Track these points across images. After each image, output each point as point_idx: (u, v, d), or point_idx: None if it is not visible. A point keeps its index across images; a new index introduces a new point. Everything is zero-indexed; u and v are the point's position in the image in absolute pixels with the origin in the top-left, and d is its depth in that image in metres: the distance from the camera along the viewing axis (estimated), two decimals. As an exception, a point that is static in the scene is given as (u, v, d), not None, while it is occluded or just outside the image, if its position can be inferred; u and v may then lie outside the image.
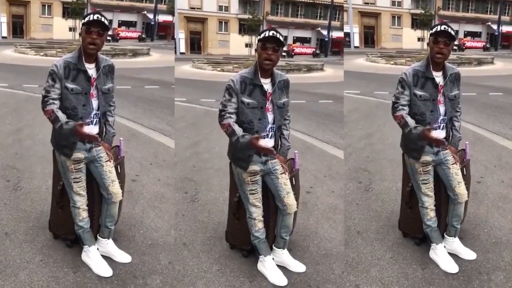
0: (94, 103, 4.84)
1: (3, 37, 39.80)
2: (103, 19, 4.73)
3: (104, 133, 5.04)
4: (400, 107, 4.97)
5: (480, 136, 9.86)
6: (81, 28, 4.75)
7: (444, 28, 4.88)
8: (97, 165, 4.95)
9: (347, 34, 42.38)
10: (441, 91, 5.00)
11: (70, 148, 4.81)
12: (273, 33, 4.70)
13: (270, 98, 4.84)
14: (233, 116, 4.76)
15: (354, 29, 43.00)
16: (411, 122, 4.88)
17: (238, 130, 4.71)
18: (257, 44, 4.80)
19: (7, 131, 9.57)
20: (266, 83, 4.84)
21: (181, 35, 41.77)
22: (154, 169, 7.73)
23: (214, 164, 8.08)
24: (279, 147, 5.02)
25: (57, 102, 4.69)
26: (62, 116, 4.64)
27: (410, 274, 5.07)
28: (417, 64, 5.06)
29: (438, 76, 5.00)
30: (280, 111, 4.91)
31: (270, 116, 4.87)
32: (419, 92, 4.96)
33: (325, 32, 43.41)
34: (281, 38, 4.73)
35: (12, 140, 8.93)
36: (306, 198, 6.67)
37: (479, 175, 7.39)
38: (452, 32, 4.88)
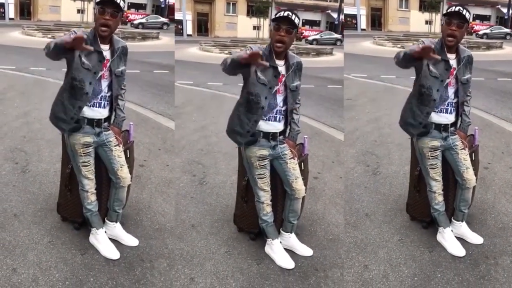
0: (104, 84, 4.80)
1: (10, 19, 39.76)
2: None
3: (114, 117, 5.03)
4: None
5: (488, 122, 9.85)
6: (95, 8, 4.67)
7: (458, 9, 4.74)
8: (106, 149, 4.96)
9: (352, 16, 42.10)
10: (453, 73, 4.92)
11: (68, 122, 4.76)
12: (287, 14, 4.60)
13: (283, 80, 4.79)
14: None
15: (361, 11, 42.73)
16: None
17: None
18: (270, 25, 4.72)
19: (15, 114, 9.58)
20: (280, 65, 4.78)
21: (188, 17, 41.61)
22: (163, 155, 7.74)
23: (222, 148, 8.09)
24: (289, 131, 5.01)
25: None
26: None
27: (418, 256, 5.10)
28: (434, 41, 4.90)
29: (452, 59, 4.91)
30: (292, 94, 4.86)
31: (279, 98, 4.82)
32: (432, 68, 4.83)
33: (335, 15, 43.14)
34: (296, 20, 4.62)
35: (20, 123, 8.94)
36: (314, 184, 6.68)
37: (486, 161, 7.38)
38: (467, 14, 4.73)
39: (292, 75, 4.84)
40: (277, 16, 4.64)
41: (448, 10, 4.82)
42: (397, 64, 4.79)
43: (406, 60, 4.69)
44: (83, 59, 4.61)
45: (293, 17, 4.61)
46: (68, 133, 4.88)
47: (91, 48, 4.46)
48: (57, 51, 4.41)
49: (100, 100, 4.83)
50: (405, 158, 6.71)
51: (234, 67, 4.52)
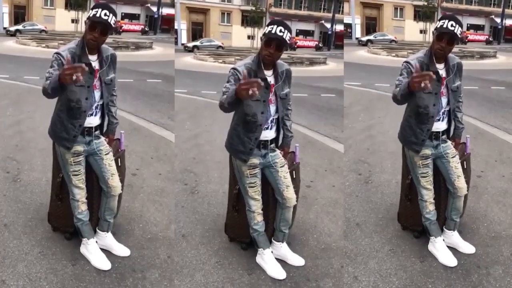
0: (97, 94, 4.79)
1: (4, 28, 39.75)
2: (110, 18, 4.58)
3: (107, 124, 5.06)
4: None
5: (481, 130, 9.85)
6: (86, 20, 4.67)
7: (451, 25, 4.73)
8: (96, 158, 4.94)
9: (348, 25, 42.24)
10: (444, 83, 4.94)
11: (71, 140, 4.77)
12: (280, 30, 4.58)
13: (273, 90, 4.79)
14: None
15: (356, 20, 42.88)
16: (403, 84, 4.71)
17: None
18: (262, 37, 4.70)
19: (7, 122, 9.57)
20: (269, 75, 4.77)
21: (183, 26, 41.70)
22: (155, 163, 7.72)
23: (214, 156, 8.08)
24: (282, 138, 5.02)
25: None
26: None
27: (409, 266, 5.08)
28: (420, 55, 4.93)
29: (441, 69, 4.92)
30: (282, 102, 4.87)
31: (272, 108, 4.82)
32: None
33: (328, 25, 43.30)
34: (287, 38, 4.60)
35: (12, 132, 8.93)
36: (306, 192, 6.66)
37: (479, 170, 7.38)
38: (458, 32, 4.74)
39: (282, 84, 4.84)
40: (268, 31, 4.61)
41: (440, 25, 4.80)
42: (398, 103, 4.89)
43: (406, 97, 4.77)
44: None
45: (285, 35, 4.59)
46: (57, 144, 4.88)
47: (85, 69, 4.29)
48: (56, 90, 4.46)
49: (93, 109, 4.83)
50: (397, 167, 6.69)
51: (233, 104, 4.54)
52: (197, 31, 43.33)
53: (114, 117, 5.12)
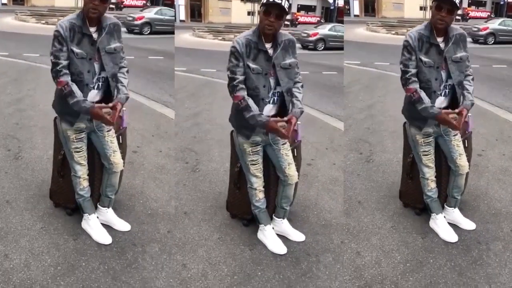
0: (96, 66, 4.72)
1: (3, 4, 39.41)
2: None
3: (116, 93, 4.78)
4: (412, 78, 4.78)
5: (482, 109, 9.82)
6: None
7: None
8: (98, 134, 4.93)
9: (345, 1, 41.93)
10: (444, 55, 4.87)
11: (75, 115, 4.73)
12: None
13: (272, 62, 4.71)
14: (244, 86, 4.62)
15: (354, -4, 42.52)
16: (426, 100, 4.74)
17: (254, 107, 4.58)
18: (260, 7, 4.64)
19: (7, 100, 9.54)
20: (270, 47, 4.70)
21: (181, 2, 41.36)
22: (156, 141, 7.72)
23: (215, 135, 8.08)
24: (290, 109, 4.75)
25: (68, 71, 4.56)
26: (77, 91, 4.53)
27: (410, 242, 5.11)
28: (421, 27, 4.87)
29: (441, 42, 4.86)
30: (286, 72, 4.77)
31: (272, 81, 4.74)
32: (424, 59, 4.81)
33: (331, 0, 42.91)
34: (286, 5, 4.54)
35: (12, 110, 8.90)
36: (307, 170, 6.67)
37: (480, 148, 7.38)
38: (457, 0, 4.71)
39: (283, 53, 4.74)
40: (267, 1, 4.55)
41: None
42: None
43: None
44: (76, 49, 4.59)
45: (284, 2, 4.54)
46: (60, 119, 4.86)
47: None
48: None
49: (94, 82, 4.74)
50: (398, 146, 6.70)
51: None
52: (195, 7, 42.96)
53: (125, 87, 4.82)
